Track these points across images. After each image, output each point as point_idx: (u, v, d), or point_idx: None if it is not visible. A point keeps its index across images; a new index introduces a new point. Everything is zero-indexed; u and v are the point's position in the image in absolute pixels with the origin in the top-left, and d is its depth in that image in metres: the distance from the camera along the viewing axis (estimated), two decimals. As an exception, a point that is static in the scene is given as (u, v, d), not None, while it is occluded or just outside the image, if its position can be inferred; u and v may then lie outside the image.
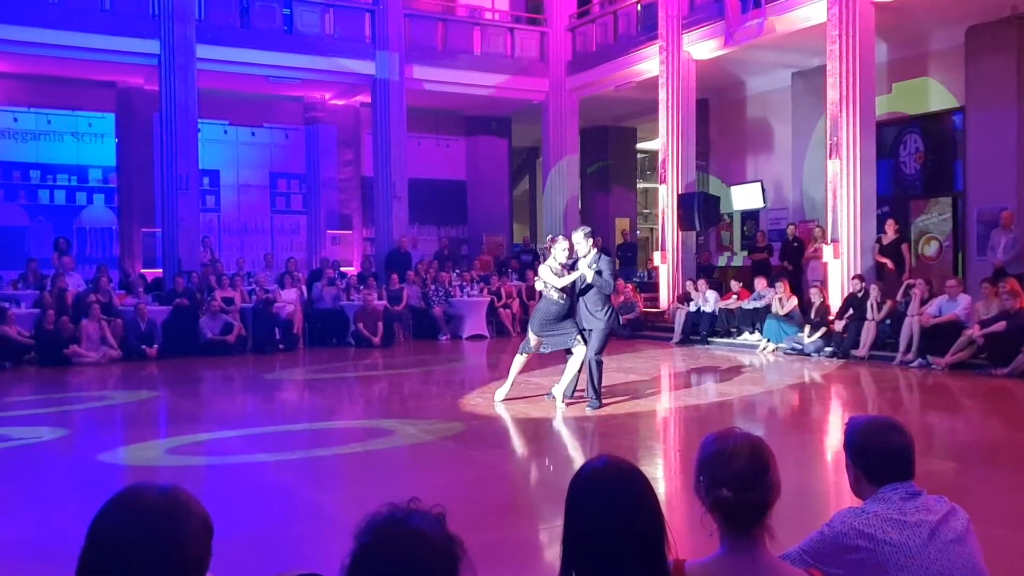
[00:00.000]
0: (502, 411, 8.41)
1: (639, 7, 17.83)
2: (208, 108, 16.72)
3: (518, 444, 7.41)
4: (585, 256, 8.47)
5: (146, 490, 1.52)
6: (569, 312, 8.47)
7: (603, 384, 8.56)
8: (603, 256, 8.56)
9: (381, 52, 17.59)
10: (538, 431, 7.71)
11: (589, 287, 8.43)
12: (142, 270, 16.46)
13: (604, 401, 8.47)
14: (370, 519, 1.52)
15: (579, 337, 8.40)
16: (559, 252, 8.47)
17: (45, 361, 12.54)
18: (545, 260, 8.62)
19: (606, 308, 8.45)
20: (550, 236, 8.91)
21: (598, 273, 8.35)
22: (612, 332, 8.69)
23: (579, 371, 8.52)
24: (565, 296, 8.43)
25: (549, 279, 8.43)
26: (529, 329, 8.76)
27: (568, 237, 8.73)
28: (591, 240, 8.61)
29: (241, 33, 16.56)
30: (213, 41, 16.05)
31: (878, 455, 2.34)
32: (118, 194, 17.82)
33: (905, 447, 2.36)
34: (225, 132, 18.82)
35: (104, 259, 16.66)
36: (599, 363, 8.45)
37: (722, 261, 18.93)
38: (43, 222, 17.18)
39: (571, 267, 8.56)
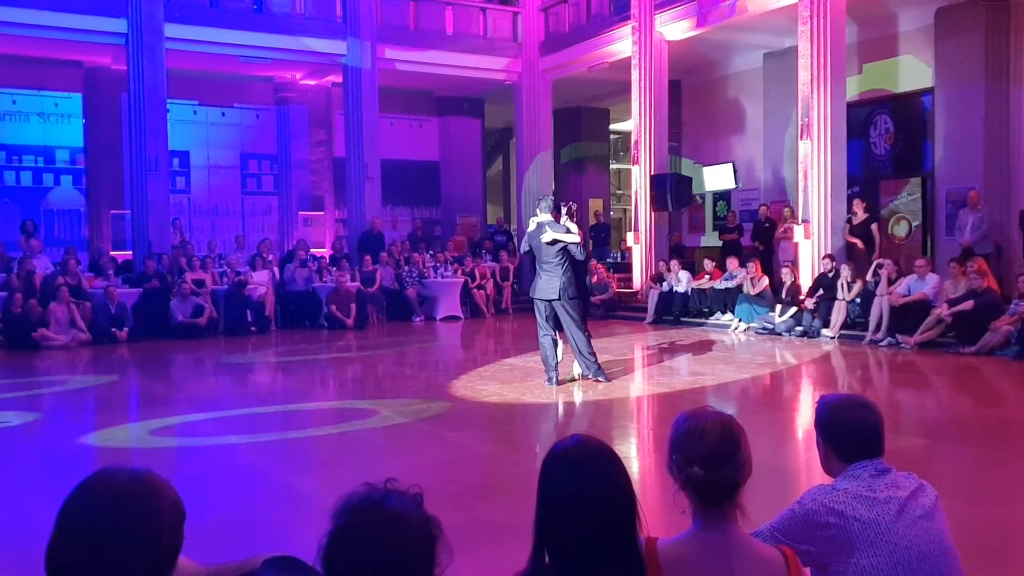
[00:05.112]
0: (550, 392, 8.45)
1: (612, -13, 17.78)
2: (177, 88, 16.49)
3: (493, 425, 7.42)
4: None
5: (116, 475, 1.46)
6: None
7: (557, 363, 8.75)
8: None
9: (352, 32, 17.42)
10: (513, 412, 7.74)
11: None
12: (112, 252, 16.27)
13: (572, 382, 8.64)
14: (347, 499, 1.52)
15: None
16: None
17: (13, 345, 12.37)
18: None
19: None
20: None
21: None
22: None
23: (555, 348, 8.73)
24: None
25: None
26: None
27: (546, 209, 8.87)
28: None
29: (210, 12, 16.32)
30: (181, 20, 15.79)
31: (848, 432, 2.37)
32: (86, 175, 17.56)
33: (874, 424, 2.39)
34: (195, 112, 18.58)
35: (72, 241, 16.41)
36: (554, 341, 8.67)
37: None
38: (9, 204, 16.90)
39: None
